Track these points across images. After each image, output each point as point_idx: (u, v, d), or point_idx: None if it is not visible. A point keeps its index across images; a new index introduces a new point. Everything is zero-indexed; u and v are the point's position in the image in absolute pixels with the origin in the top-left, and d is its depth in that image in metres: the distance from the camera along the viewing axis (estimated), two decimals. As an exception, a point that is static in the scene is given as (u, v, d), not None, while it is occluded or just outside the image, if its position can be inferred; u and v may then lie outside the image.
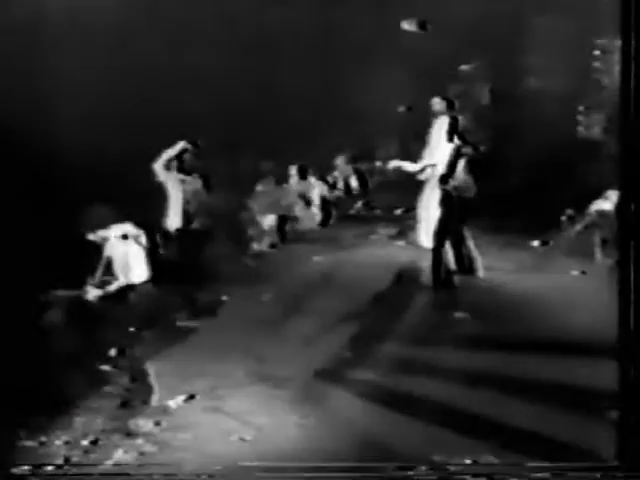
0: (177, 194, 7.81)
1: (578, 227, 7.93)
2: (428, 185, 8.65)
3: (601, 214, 7.80)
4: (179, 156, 7.71)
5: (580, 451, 6.09)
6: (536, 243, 8.11)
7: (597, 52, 7.08)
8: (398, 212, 9.24)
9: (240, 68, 7.36)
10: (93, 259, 6.73)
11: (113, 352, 6.90)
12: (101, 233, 6.61)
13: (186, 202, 7.84)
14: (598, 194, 7.60)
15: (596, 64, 7.14)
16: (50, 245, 6.71)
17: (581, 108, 7.51)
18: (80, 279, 6.86)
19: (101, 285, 6.78)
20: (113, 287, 6.70)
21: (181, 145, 7.70)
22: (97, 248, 6.68)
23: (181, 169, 7.78)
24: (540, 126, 7.62)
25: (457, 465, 6.08)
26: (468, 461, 6.10)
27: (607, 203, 7.78)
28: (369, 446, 6.04)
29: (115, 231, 6.62)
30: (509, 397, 6.48)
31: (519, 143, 7.59)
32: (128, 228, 6.65)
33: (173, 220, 7.85)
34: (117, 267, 6.62)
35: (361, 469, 5.97)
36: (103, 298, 6.85)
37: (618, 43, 6.28)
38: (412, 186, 8.52)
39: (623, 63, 6.23)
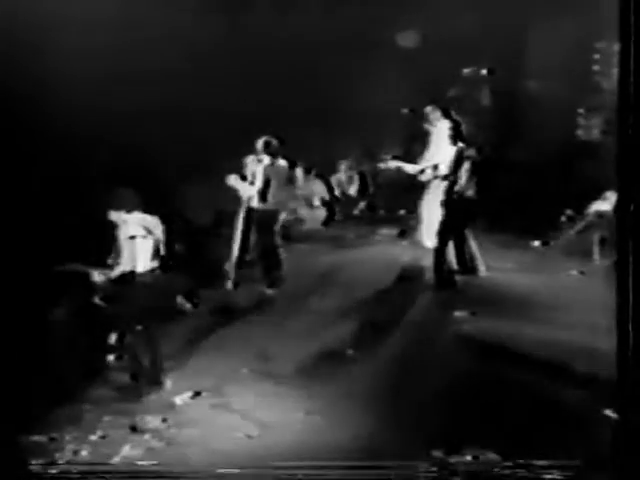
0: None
1: (578, 227, 7.98)
2: (431, 186, 8.72)
3: (600, 215, 7.86)
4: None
5: (577, 448, 6.12)
6: (537, 243, 8.19)
7: (596, 56, 7.11)
8: (401, 213, 9.33)
9: (248, 69, 7.42)
10: (109, 240, 6.76)
11: (113, 339, 7.02)
12: (122, 216, 6.64)
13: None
14: (597, 195, 7.65)
15: (595, 67, 7.18)
16: (72, 222, 6.77)
17: (581, 110, 7.57)
18: (95, 258, 6.89)
19: (109, 268, 6.81)
20: (115, 273, 6.74)
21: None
22: (114, 230, 6.71)
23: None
24: (540, 129, 7.68)
25: (459, 463, 6.12)
26: (469, 457, 6.13)
27: (606, 204, 7.85)
28: (372, 442, 6.10)
29: (133, 218, 6.65)
30: (506, 394, 6.52)
31: (520, 145, 7.64)
32: (146, 218, 6.69)
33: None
34: (125, 253, 6.65)
35: (364, 467, 6.02)
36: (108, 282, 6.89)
37: (617, 46, 6.32)
38: (414, 188, 8.61)
39: (622, 66, 6.26)
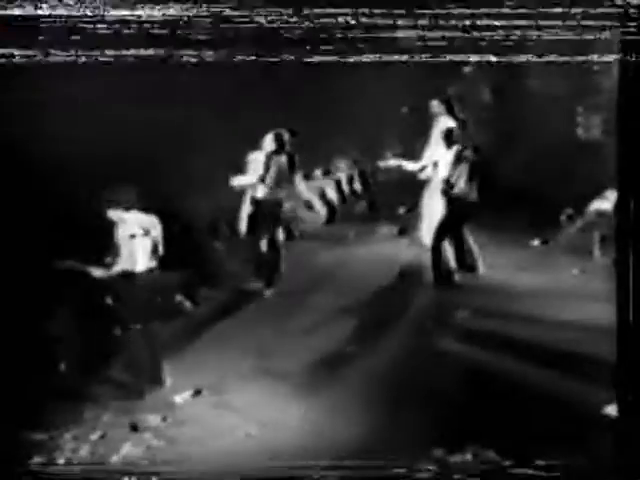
0: None
1: (578, 225, 7.99)
2: (430, 185, 8.72)
3: (600, 213, 7.87)
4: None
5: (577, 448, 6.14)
6: (536, 242, 8.19)
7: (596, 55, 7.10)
8: (401, 211, 9.35)
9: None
10: (107, 238, 6.74)
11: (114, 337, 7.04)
12: (121, 214, 6.63)
13: None
14: (597, 194, 7.65)
15: (595, 67, 7.17)
16: (70, 219, 6.77)
17: (580, 109, 7.57)
18: (94, 255, 6.87)
19: (108, 266, 6.78)
20: (115, 270, 6.72)
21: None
22: (112, 228, 6.69)
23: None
24: (540, 128, 7.68)
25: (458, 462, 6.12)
26: (469, 457, 6.14)
27: (606, 203, 7.85)
28: (373, 440, 6.11)
29: (131, 217, 6.65)
30: (505, 394, 6.54)
31: (519, 144, 7.65)
32: (144, 218, 6.68)
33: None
34: (124, 252, 6.64)
35: (363, 467, 6.02)
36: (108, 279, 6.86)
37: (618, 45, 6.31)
38: (415, 186, 8.61)
39: (622, 65, 6.25)
